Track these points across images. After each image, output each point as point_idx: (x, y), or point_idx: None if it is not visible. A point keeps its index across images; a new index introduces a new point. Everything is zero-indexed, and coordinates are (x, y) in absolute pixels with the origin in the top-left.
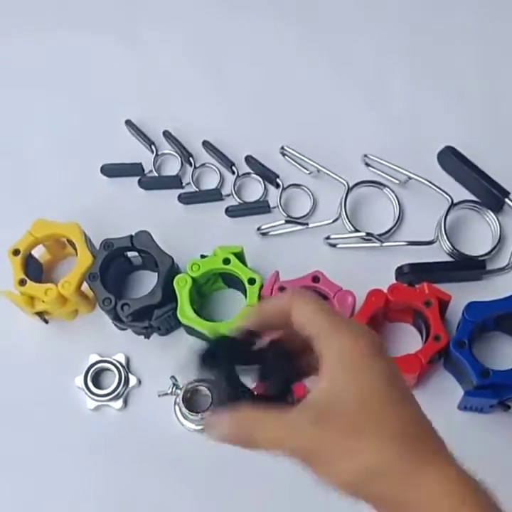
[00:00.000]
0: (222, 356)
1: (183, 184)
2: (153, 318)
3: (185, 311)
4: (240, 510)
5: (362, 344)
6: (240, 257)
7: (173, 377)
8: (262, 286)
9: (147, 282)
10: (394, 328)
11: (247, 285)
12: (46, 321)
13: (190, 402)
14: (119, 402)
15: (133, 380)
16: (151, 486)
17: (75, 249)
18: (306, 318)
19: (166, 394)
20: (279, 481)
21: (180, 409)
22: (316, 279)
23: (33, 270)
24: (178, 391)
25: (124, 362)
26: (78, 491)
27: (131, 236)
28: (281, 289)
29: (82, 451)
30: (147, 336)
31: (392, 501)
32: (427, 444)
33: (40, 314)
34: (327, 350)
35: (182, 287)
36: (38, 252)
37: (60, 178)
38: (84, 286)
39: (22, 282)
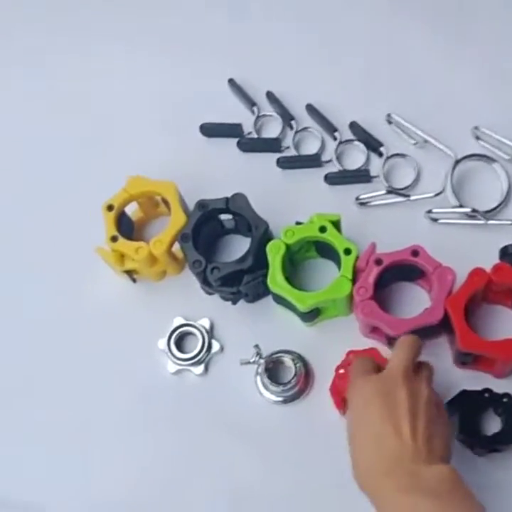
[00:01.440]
0: None
1: (283, 148)
2: (243, 283)
3: (276, 279)
4: (308, 484)
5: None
6: (337, 226)
7: (256, 346)
8: (357, 258)
9: (238, 247)
10: (492, 310)
11: (342, 255)
12: (134, 280)
13: (273, 372)
14: (201, 368)
15: (216, 346)
16: (223, 453)
17: (169, 208)
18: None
19: (249, 362)
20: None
21: (261, 379)
22: (415, 253)
23: (125, 227)
24: (261, 361)
25: (208, 327)
26: (152, 452)
27: (227, 198)
28: (378, 261)
29: (160, 413)
30: (234, 302)
31: None
32: None
33: (129, 273)
34: None
35: (275, 253)
36: (131, 210)
37: (159, 135)
38: (175, 248)
39: (114, 239)
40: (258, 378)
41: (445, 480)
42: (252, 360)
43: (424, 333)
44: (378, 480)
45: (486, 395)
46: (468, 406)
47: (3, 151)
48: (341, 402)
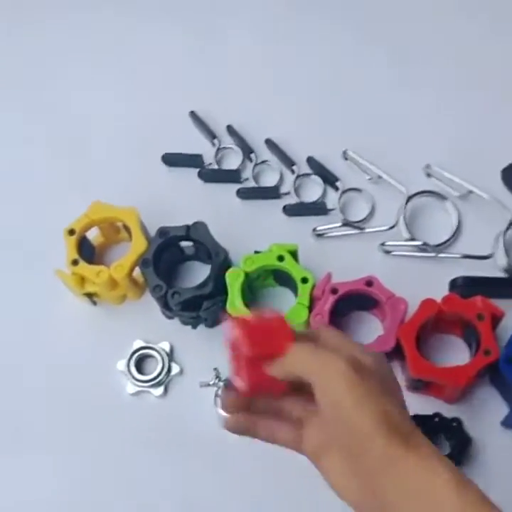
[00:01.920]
0: None
1: (242, 179)
2: (203, 309)
3: (236, 304)
4: (266, 504)
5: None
6: (295, 255)
7: (215, 369)
8: (313, 286)
9: (198, 273)
10: (442, 339)
11: (299, 284)
12: (95, 303)
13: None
14: (160, 390)
15: (176, 369)
16: (182, 473)
17: (130, 234)
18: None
19: (208, 384)
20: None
21: (220, 401)
22: (369, 283)
23: (86, 252)
24: (221, 383)
25: (168, 350)
26: (112, 474)
27: (188, 226)
28: (334, 290)
29: (118, 435)
30: (194, 326)
31: None
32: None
33: (90, 296)
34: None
35: (234, 280)
36: (92, 235)
37: (121, 163)
38: (136, 272)
39: (75, 262)
40: (218, 400)
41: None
42: (211, 383)
43: None
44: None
45: (436, 419)
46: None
47: None
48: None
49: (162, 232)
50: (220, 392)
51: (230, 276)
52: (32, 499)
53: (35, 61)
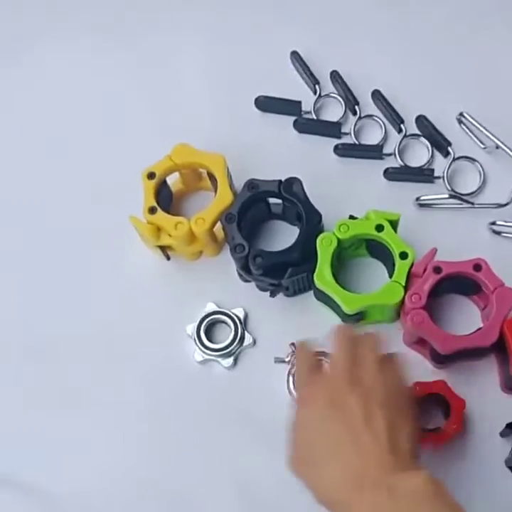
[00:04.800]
0: None
1: (342, 134)
2: (286, 276)
3: (324, 274)
4: None
5: None
6: (395, 226)
7: (293, 344)
8: (413, 263)
9: (282, 235)
10: None
11: (397, 259)
12: (168, 258)
13: None
14: (229, 361)
15: (248, 339)
16: (243, 456)
17: (214, 183)
18: None
19: (283, 361)
20: None
21: (293, 380)
22: (477, 267)
23: (164, 199)
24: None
25: (242, 317)
26: (165, 439)
27: (280, 181)
28: (437, 269)
29: (181, 404)
30: (273, 294)
31: None
32: None
33: (163, 249)
34: None
35: (325, 247)
36: (170, 181)
37: (209, 104)
38: (216, 227)
39: (152, 210)
40: (291, 379)
41: (424, 494)
42: (287, 359)
43: (470, 352)
44: (352, 500)
45: None
46: None
47: (45, 108)
48: None
49: (251, 185)
50: (294, 370)
51: (321, 241)
52: (96, 465)
53: None
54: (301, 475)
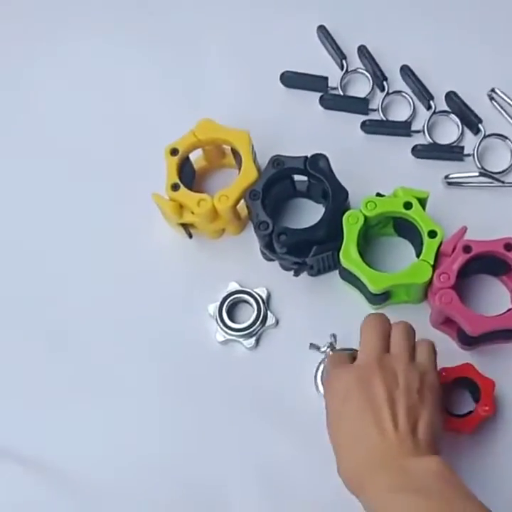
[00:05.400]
0: None
1: (369, 110)
2: (311, 254)
3: (351, 253)
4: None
5: None
6: (423, 204)
7: (333, 335)
8: (441, 242)
9: (307, 213)
10: None
11: (425, 237)
12: (190, 236)
13: None
14: (251, 341)
15: (271, 319)
16: (265, 434)
17: (238, 160)
18: None
19: (318, 349)
20: None
21: (322, 372)
22: (508, 246)
23: (187, 176)
24: (331, 352)
25: (265, 297)
26: (184, 419)
27: (306, 157)
28: (467, 248)
29: (200, 382)
30: (296, 273)
31: None
32: None
33: (185, 226)
34: None
35: (352, 225)
36: (193, 157)
37: (234, 77)
38: (239, 205)
39: (175, 187)
40: (320, 369)
41: (435, 476)
42: (322, 349)
43: (499, 334)
44: (365, 479)
45: None
46: None
47: (71, 85)
48: None
49: (276, 161)
50: (327, 362)
51: (347, 219)
52: (114, 446)
53: None
54: (333, 448)
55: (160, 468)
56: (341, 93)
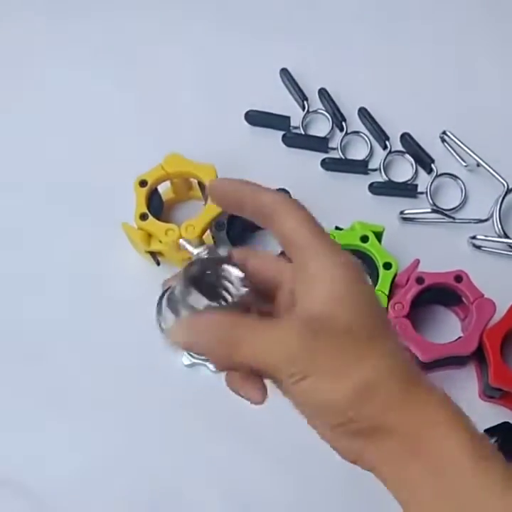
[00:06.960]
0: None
1: (329, 149)
2: None
3: None
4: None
5: (354, 267)
6: (379, 237)
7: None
8: (396, 274)
9: (271, 244)
10: None
11: (381, 269)
12: (158, 263)
13: None
14: None
15: None
16: (233, 456)
17: (204, 192)
18: (290, 228)
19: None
20: None
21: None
22: (459, 278)
23: (155, 207)
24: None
25: None
26: (155, 448)
27: None
28: (419, 279)
29: (167, 408)
30: None
31: (388, 427)
32: (415, 368)
33: (153, 254)
34: (319, 266)
35: None
36: (161, 189)
37: (200, 116)
38: (205, 235)
39: (143, 217)
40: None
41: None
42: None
43: (449, 360)
44: None
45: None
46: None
47: (41, 115)
48: None
49: None
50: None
51: None
52: (83, 467)
53: None
54: None
55: (129, 488)
56: (303, 132)
